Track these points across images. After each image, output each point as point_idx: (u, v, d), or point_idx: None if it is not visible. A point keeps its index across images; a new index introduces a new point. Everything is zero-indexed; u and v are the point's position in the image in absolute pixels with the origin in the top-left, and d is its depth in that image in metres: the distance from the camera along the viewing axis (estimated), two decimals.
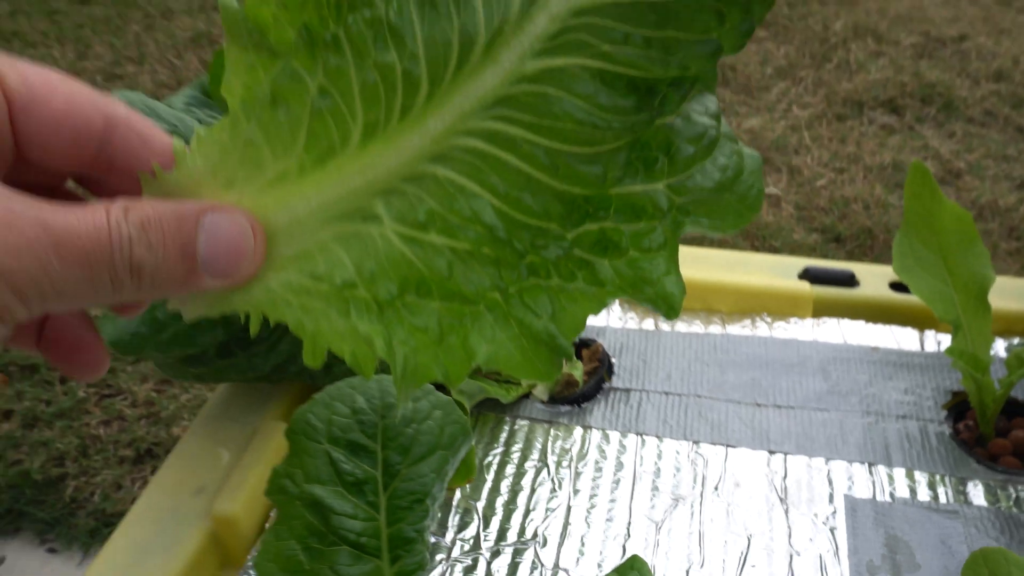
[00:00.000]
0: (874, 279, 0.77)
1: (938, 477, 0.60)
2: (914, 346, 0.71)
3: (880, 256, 1.44)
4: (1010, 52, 2.11)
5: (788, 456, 0.62)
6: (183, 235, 0.25)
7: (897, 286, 0.76)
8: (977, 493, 0.59)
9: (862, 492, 0.59)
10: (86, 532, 1.12)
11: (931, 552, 0.55)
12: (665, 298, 0.28)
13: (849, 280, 0.77)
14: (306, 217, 0.27)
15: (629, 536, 0.56)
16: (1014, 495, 0.58)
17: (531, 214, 0.27)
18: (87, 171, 0.28)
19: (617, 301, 0.65)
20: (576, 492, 0.59)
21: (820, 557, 0.55)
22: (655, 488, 0.60)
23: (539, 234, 0.28)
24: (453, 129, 0.27)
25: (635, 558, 0.43)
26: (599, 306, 0.28)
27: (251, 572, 0.57)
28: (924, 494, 0.59)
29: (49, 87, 0.26)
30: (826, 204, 1.60)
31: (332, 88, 0.26)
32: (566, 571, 0.55)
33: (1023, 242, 1.46)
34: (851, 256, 1.46)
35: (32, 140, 0.26)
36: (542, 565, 0.55)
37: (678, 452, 0.62)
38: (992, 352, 0.68)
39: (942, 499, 0.59)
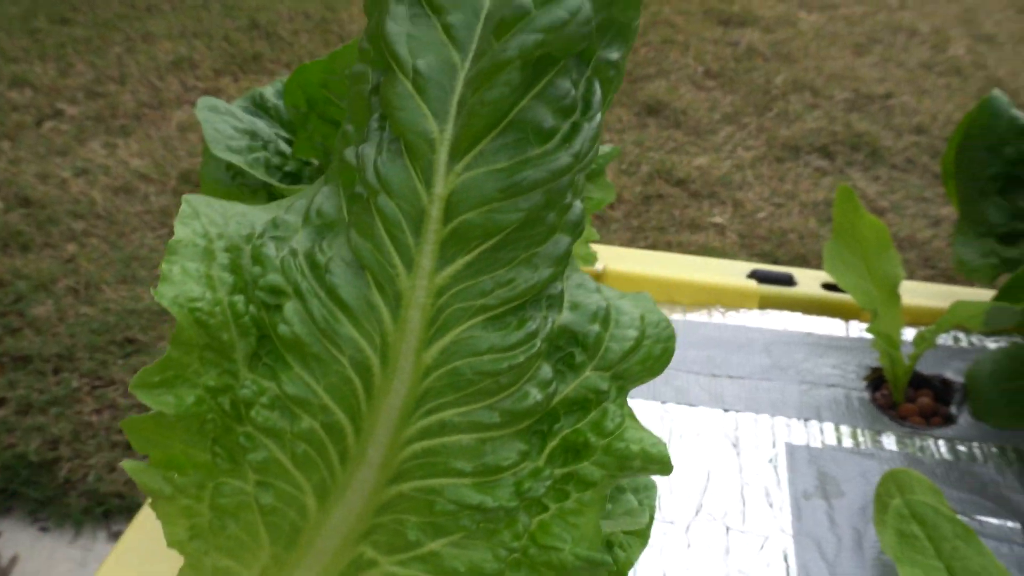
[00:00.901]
0: (809, 280, 0.91)
1: (859, 430, 0.73)
2: (841, 332, 0.85)
3: None
4: (930, 110, 2.34)
5: (739, 413, 0.75)
6: None
7: (827, 287, 0.90)
8: (890, 442, 0.72)
9: (799, 440, 0.72)
10: (79, 511, 1.18)
11: (853, 483, 0.68)
12: (653, 460, 0.28)
13: (788, 280, 0.91)
14: None
15: None
16: (919, 444, 0.72)
17: (502, 469, 0.27)
18: None
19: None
20: None
21: (765, 487, 0.67)
22: None
23: (519, 482, 0.27)
24: (393, 445, 0.26)
25: None
26: (602, 503, 0.28)
27: None
28: (848, 442, 0.72)
29: None
30: (766, 233, 1.76)
31: (267, 477, 0.26)
32: None
33: (937, 270, 1.66)
34: None
35: None
36: None
37: (649, 410, 0.74)
38: (903, 337, 0.83)
39: (862, 446, 0.72)
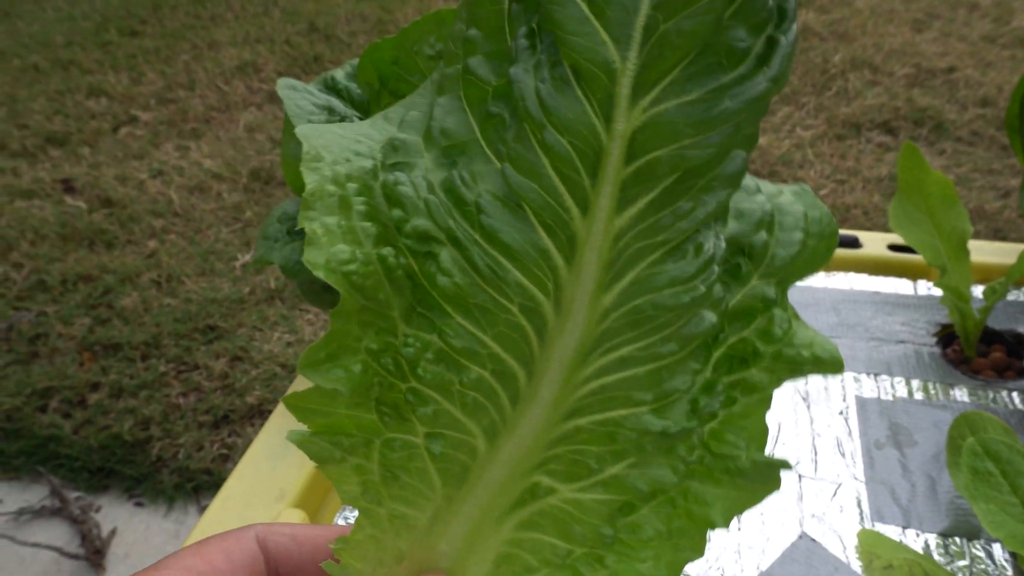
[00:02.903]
0: (875, 242, 0.92)
1: (930, 383, 0.74)
2: (908, 291, 0.86)
3: None
4: (995, 81, 2.28)
5: None
6: None
7: (894, 248, 0.90)
8: (962, 394, 0.73)
9: (869, 394, 0.73)
10: (171, 487, 1.25)
11: (925, 433, 0.69)
12: (824, 364, 0.27)
13: (854, 243, 0.91)
14: (476, 530, 0.27)
15: None
16: (992, 395, 0.72)
17: (680, 392, 0.26)
18: None
19: None
20: None
21: (836, 438, 0.69)
22: None
23: (694, 399, 0.26)
24: (568, 385, 0.25)
25: None
26: (768, 402, 0.27)
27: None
28: (919, 395, 0.73)
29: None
30: (829, 210, 1.75)
31: (437, 428, 0.26)
32: None
33: (1008, 241, 1.62)
34: None
35: None
36: None
37: None
38: (972, 293, 0.83)
39: (934, 398, 0.72)
